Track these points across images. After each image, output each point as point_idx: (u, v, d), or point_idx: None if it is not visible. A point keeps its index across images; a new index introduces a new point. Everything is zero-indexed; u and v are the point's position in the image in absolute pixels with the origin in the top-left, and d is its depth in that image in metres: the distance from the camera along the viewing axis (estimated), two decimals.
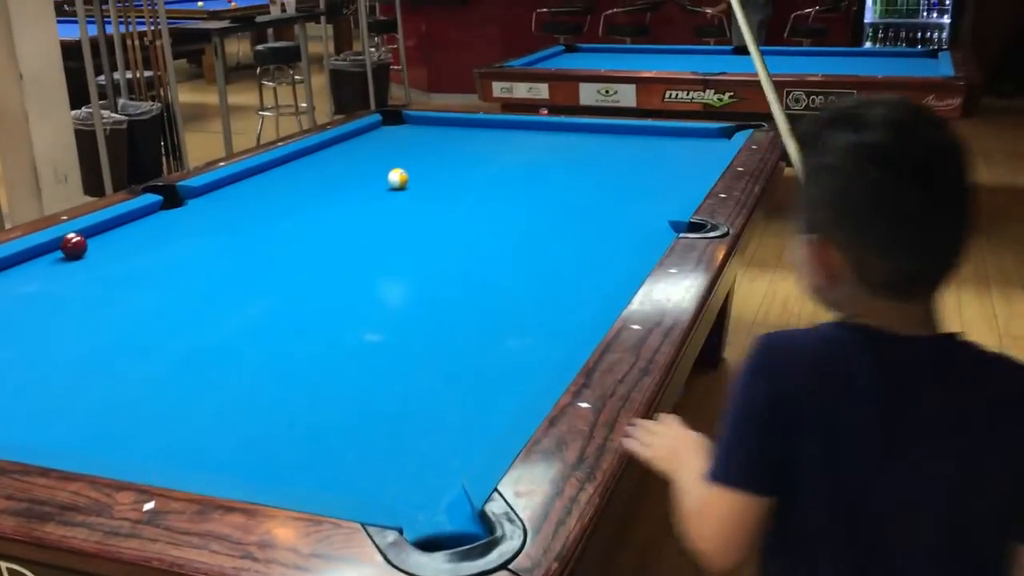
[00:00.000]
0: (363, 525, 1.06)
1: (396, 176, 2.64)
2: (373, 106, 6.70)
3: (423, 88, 9.02)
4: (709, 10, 7.61)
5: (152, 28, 5.01)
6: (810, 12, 7.68)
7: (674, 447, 1.25)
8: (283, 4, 7.13)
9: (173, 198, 2.53)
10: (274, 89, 7.05)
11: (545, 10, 8.22)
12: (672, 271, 1.88)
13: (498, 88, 4.87)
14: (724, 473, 1.07)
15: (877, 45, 8.04)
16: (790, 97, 4.42)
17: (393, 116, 3.59)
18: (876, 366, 1.02)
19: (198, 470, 1.24)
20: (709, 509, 1.08)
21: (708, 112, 4.51)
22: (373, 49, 7.39)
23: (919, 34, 8.07)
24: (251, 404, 1.46)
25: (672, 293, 1.77)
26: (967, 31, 7.89)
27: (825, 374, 1.04)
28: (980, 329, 3.64)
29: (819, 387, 1.03)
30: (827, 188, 1.02)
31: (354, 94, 6.91)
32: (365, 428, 1.37)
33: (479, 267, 2.08)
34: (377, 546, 1.03)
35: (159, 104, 5.01)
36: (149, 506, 1.11)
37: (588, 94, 4.75)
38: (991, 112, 6.74)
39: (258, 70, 7.11)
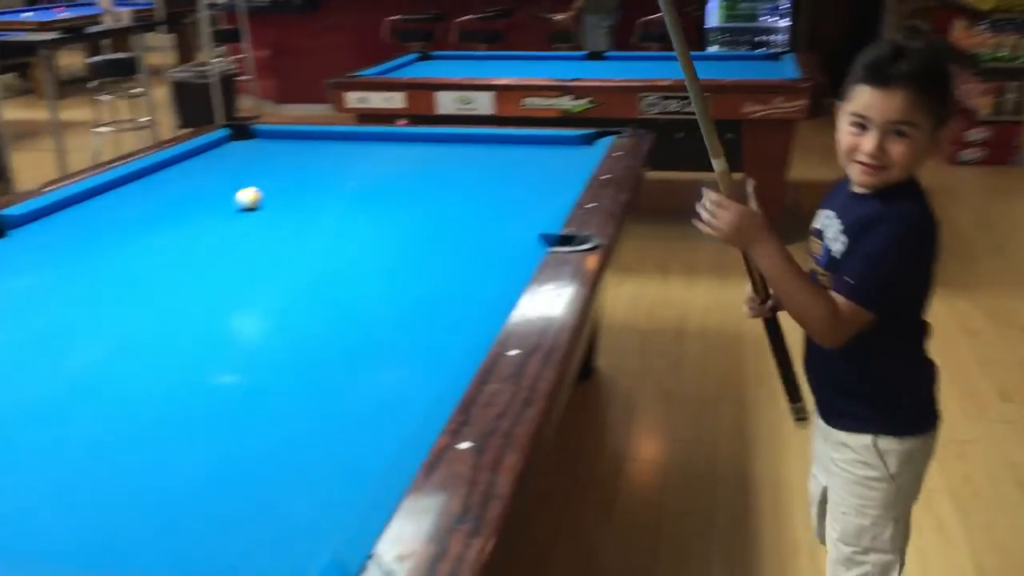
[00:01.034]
0: None
1: (247, 195, 2.47)
2: (219, 119, 6.40)
3: (273, 99, 8.72)
4: (558, 16, 7.64)
5: None
6: (656, 18, 7.84)
7: (738, 224, 1.56)
8: (117, 14, 6.74)
9: None
10: (111, 103, 6.64)
11: (397, 17, 8.08)
12: (547, 289, 1.79)
13: (353, 98, 4.71)
14: (873, 302, 1.52)
15: (721, 49, 8.29)
16: (645, 102, 4.45)
17: (242, 130, 3.39)
18: None
19: (19, 566, 1.06)
20: (849, 321, 1.53)
21: (567, 118, 4.49)
22: (218, 59, 7.07)
23: (760, 37, 8.36)
24: (84, 474, 1.28)
25: (549, 313, 1.69)
26: (804, 34, 8.24)
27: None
28: None
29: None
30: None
31: (200, 107, 6.60)
32: (222, 489, 1.22)
33: (343, 292, 1.94)
34: None
35: None
36: None
37: (446, 102, 4.65)
38: (830, 112, 7.03)
39: (93, 84, 6.68)
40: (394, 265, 2.10)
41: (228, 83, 7.06)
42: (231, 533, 1.12)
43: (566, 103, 4.52)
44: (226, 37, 8.11)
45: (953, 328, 3.72)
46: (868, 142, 1.51)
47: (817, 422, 1.79)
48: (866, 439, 1.65)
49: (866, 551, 1.69)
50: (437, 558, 1.01)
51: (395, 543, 1.04)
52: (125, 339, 1.72)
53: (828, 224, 1.64)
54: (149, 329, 1.76)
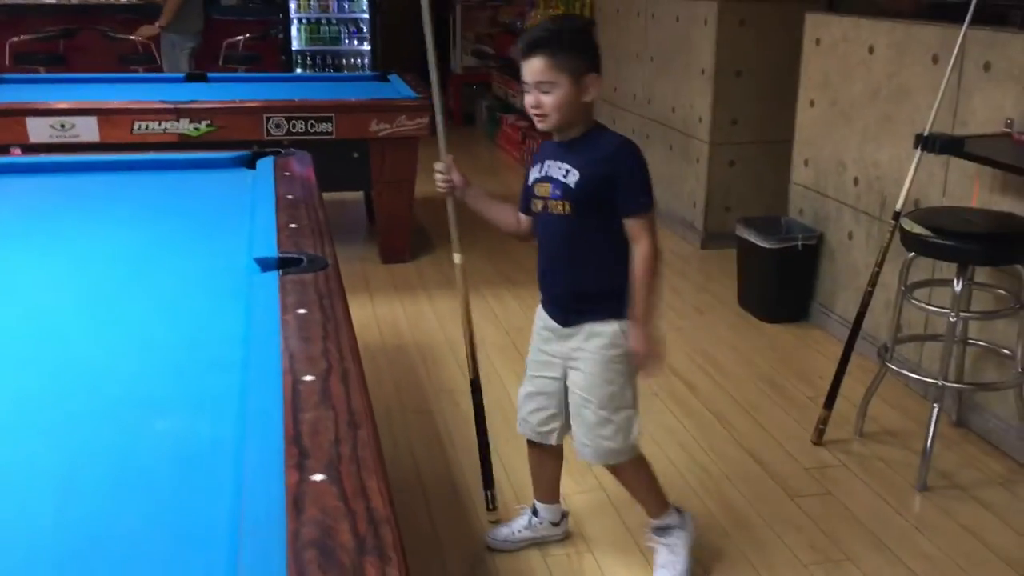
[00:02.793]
0: None
1: None
2: None
3: None
4: (138, 36, 7.15)
5: None
6: (240, 40, 7.68)
7: (650, 342, 2.16)
8: None
9: None
10: None
11: None
12: (302, 312, 1.71)
13: None
14: (652, 204, 2.13)
15: (306, 71, 8.33)
16: (271, 123, 4.35)
17: None
18: None
19: None
20: (652, 228, 2.13)
21: (186, 142, 4.23)
22: None
23: (344, 60, 8.54)
24: None
25: (318, 335, 1.61)
26: (383, 56, 8.57)
27: None
28: (488, 327, 3.98)
29: None
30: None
31: None
32: None
33: (58, 349, 1.67)
34: None
35: None
36: None
37: (39, 130, 4.15)
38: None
39: None
40: (108, 315, 1.83)
41: None
42: None
43: (184, 127, 4.26)
44: None
45: None
46: (528, 98, 2.10)
47: (541, 335, 2.31)
48: (615, 325, 2.18)
49: (616, 410, 2.22)
50: None
51: None
52: None
53: (552, 168, 2.16)
54: None
